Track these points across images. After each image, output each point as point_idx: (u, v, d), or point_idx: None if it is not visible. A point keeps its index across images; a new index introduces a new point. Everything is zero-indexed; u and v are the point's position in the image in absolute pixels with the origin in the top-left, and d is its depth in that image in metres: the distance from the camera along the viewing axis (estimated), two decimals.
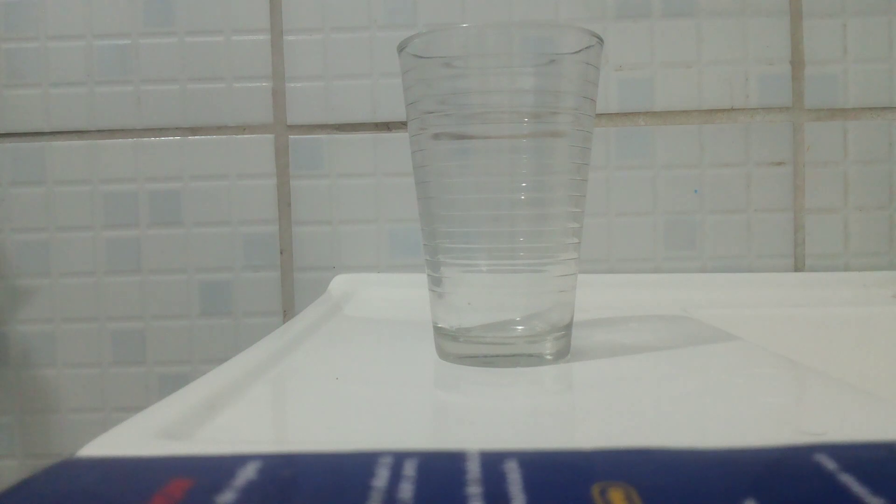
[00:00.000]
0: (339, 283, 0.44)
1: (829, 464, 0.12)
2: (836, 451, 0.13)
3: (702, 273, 0.46)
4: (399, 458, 0.13)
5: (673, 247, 0.46)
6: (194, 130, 0.47)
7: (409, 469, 0.12)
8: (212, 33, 0.47)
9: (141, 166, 0.47)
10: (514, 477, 0.12)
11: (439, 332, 0.25)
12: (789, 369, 0.23)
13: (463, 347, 0.24)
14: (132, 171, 0.47)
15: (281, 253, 0.47)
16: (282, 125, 0.47)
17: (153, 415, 0.18)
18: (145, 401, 0.47)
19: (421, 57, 0.24)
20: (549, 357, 0.24)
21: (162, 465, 0.13)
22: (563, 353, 0.25)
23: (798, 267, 0.46)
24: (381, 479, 0.12)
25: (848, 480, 0.12)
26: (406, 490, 0.12)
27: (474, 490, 0.12)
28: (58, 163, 0.47)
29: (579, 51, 0.23)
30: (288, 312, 0.47)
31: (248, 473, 0.12)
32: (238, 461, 0.13)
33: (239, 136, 0.47)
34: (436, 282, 0.25)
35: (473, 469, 0.12)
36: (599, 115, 0.46)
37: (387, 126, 0.47)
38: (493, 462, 0.13)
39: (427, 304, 0.26)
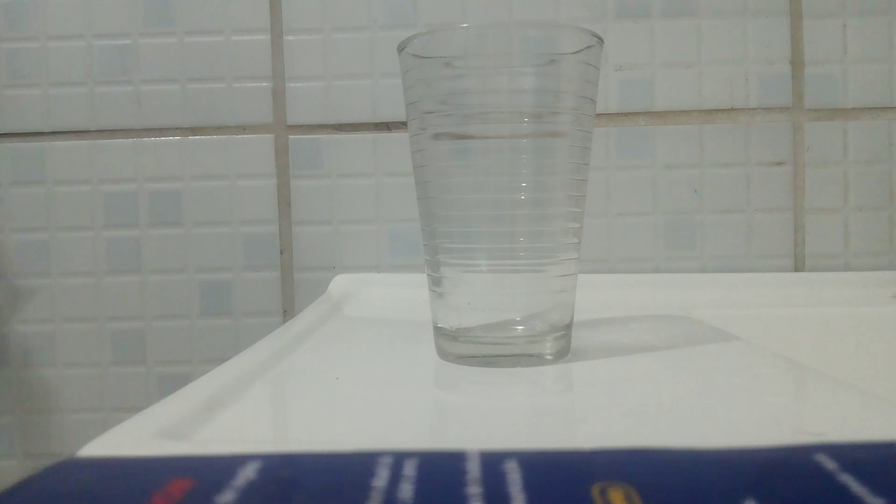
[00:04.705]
0: (339, 283, 0.44)
1: (829, 464, 0.12)
2: (836, 451, 0.13)
3: (702, 273, 0.46)
4: (399, 458, 0.13)
5: (673, 247, 0.46)
6: (194, 130, 0.47)
7: (409, 469, 0.12)
8: (212, 33, 0.47)
9: (141, 166, 0.47)
10: (514, 477, 0.12)
11: (439, 332, 0.25)
12: (789, 369, 0.23)
13: (463, 347, 0.24)
14: (132, 171, 0.47)
15: (281, 253, 0.47)
16: (282, 125, 0.47)
17: (153, 415, 0.18)
18: (145, 401, 0.47)
19: (421, 57, 0.24)
20: (549, 357, 0.24)
21: (162, 465, 0.13)
22: (563, 353, 0.25)
23: (798, 267, 0.46)
24: (381, 479, 0.12)
25: (848, 480, 0.12)
26: (406, 490, 0.12)
27: (474, 490, 0.12)
28: (58, 163, 0.47)
29: (579, 51, 0.23)
30: (288, 312, 0.47)
31: (248, 473, 0.12)
32: (238, 461, 0.13)
33: (239, 136, 0.47)
34: (436, 282, 0.25)
35: (473, 469, 0.12)
36: (599, 115, 0.46)
37: (387, 126, 0.47)
38: (493, 462, 0.13)
39: (427, 304, 0.26)
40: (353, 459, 0.13)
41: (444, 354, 0.25)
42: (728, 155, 0.46)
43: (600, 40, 0.24)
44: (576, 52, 0.23)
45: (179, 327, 0.47)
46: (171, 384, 0.47)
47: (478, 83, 0.24)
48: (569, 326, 0.25)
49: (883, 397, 0.19)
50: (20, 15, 0.47)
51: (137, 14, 0.47)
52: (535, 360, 0.24)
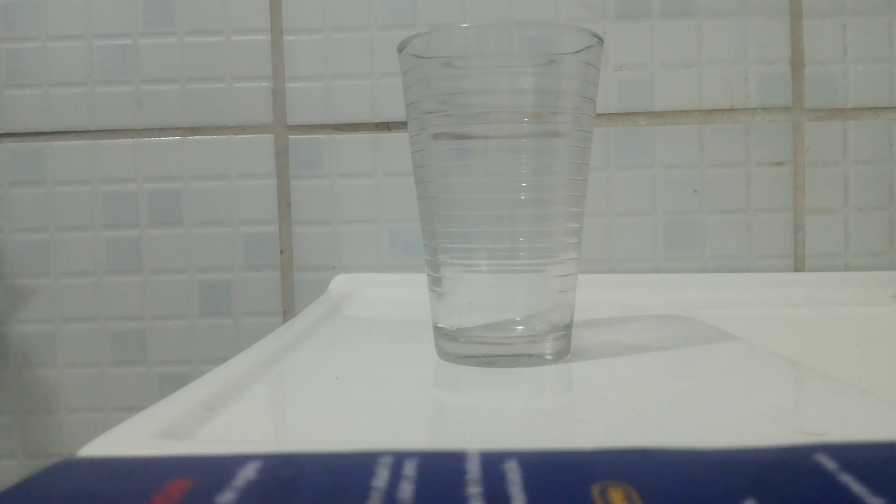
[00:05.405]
0: (339, 283, 0.44)
1: (829, 464, 0.12)
2: (836, 451, 0.13)
3: (702, 273, 0.46)
4: (399, 458, 0.13)
5: (673, 247, 0.46)
6: (194, 130, 0.47)
7: (409, 469, 0.12)
8: (212, 33, 0.47)
9: (141, 166, 0.47)
10: (514, 477, 0.12)
11: (439, 332, 0.25)
12: (789, 369, 0.23)
13: (463, 347, 0.24)
14: (132, 171, 0.47)
15: (281, 253, 0.47)
16: (282, 125, 0.47)
17: (153, 415, 0.18)
18: (145, 401, 0.47)
19: (421, 57, 0.24)
20: (549, 357, 0.24)
21: (162, 465, 0.13)
22: (563, 353, 0.25)
23: (798, 267, 0.46)
24: (381, 479, 0.12)
25: (848, 480, 0.12)
26: (406, 490, 0.12)
27: (474, 490, 0.12)
28: (58, 163, 0.47)
29: (579, 51, 0.23)
30: (288, 312, 0.47)
31: (248, 473, 0.12)
32: (238, 461, 0.13)
33: (239, 136, 0.47)
34: (436, 282, 0.25)
35: (473, 469, 0.12)
36: (599, 115, 0.46)
37: (387, 126, 0.47)
38: (493, 462, 0.13)
39: (427, 304, 0.27)
40: (353, 459, 0.13)
41: (444, 354, 0.25)
42: (728, 155, 0.46)
43: (600, 40, 0.24)
44: (576, 52, 0.23)
45: (179, 327, 0.47)
46: (171, 384, 0.47)
47: (478, 83, 0.24)
48: (569, 326, 0.25)
49: (883, 397, 0.19)
50: (20, 15, 0.47)
51: (137, 14, 0.47)
52: (535, 360, 0.24)
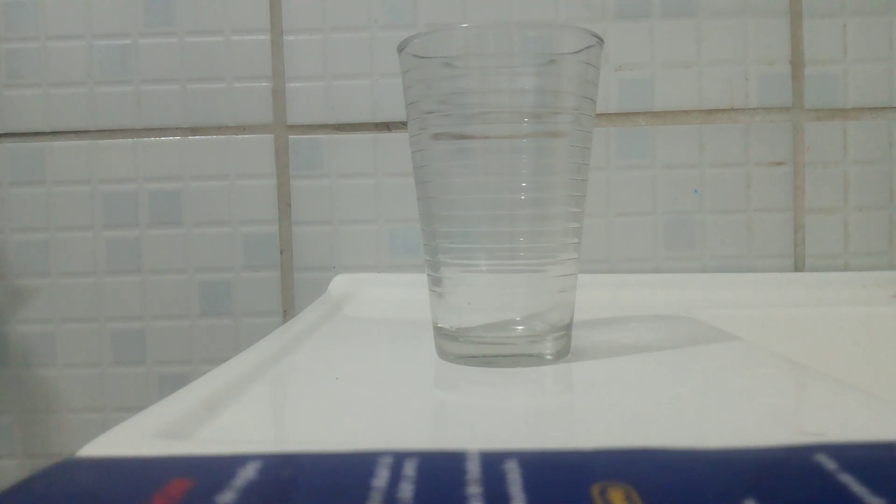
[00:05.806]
0: (339, 283, 0.44)
1: (829, 464, 0.12)
2: (836, 451, 0.13)
3: (702, 273, 0.46)
4: (399, 458, 0.13)
5: (673, 247, 0.46)
6: (194, 130, 0.47)
7: (409, 469, 0.12)
8: (212, 33, 0.47)
9: (141, 166, 0.47)
10: (514, 477, 0.12)
11: (439, 332, 0.25)
12: (789, 369, 0.23)
13: (463, 347, 0.24)
14: (132, 171, 0.47)
15: (281, 253, 0.47)
16: (282, 125, 0.47)
17: (153, 415, 0.18)
18: (145, 401, 0.47)
19: (421, 57, 0.24)
20: (549, 357, 0.24)
21: (162, 465, 0.13)
22: (563, 353, 0.25)
23: (798, 267, 0.46)
24: (381, 479, 0.12)
25: (848, 480, 0.12)
26: (406, 490, 0.12)
27: (474, 490, 0.12)
28: (58, 163, 0.47)
29: (579, 51, 0.23)
30: (288, 312, 0.47)
31: (248, 473, 0.12)
32: (238, 461, 0.13)
33: (239, 136, 0.47)
34: (436, 282, 0.25)
35: (473, 469, 0.12)
36: (599, 115, 0.46)
37: (387, 126, 0.47)
38: (493, 462, 0.13)
39: (427, 304, 0.26)
40: (353, 459, 0.13)
41: (444, 354, 0.25)
42: (728, 155, 0.46)
43: (600, 40, 0.24)
44: (576, 52, 0.23)
45: (179, 327, 0.47)
46: (171, 384, 0.47)
47: (478, 83, 0.24)
48: (569, 326, 0.25)
49: (883, 397, 0.19)
50: (20, 15, 0.47)
51: (137, 14, 0.47)
52: (535, 360, 0.24)
